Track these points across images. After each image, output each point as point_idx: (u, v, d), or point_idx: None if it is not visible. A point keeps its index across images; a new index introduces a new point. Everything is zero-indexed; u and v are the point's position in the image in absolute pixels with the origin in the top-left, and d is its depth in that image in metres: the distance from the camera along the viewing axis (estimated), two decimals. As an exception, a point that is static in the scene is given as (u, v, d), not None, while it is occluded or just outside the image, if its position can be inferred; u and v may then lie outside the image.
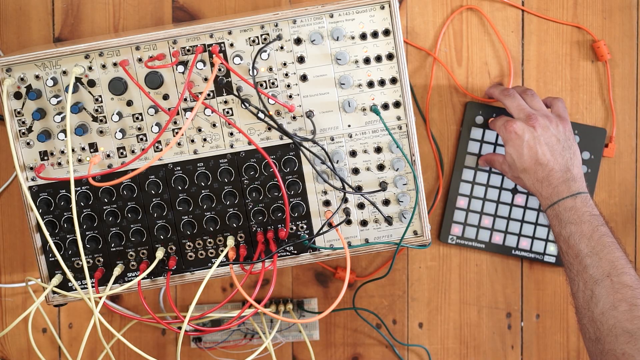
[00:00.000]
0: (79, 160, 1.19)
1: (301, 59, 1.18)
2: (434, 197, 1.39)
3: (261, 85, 1.18)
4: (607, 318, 1.10)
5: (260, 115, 1.17)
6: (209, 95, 1.18)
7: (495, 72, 1.38)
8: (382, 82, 1.19)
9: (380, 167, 1.21)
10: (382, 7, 1.17)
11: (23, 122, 1.18)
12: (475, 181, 1.38)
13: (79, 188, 1.20)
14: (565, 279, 1.21)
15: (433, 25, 1.37)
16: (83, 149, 1.19)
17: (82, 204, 1.20)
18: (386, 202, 1.22)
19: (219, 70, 1.17)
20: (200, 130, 1.19)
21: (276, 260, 1.19)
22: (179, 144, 1.19)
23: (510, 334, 1.41)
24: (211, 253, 1.22)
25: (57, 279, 1.20)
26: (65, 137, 1.17)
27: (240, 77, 1.15)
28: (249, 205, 1.21)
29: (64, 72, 1.17)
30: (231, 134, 1.19)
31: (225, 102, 1.18)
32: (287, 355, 1.41)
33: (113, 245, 1.21)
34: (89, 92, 1.18)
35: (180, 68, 1.17)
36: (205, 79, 1.18)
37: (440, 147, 1.39)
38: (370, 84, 1.19)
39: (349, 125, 1.20)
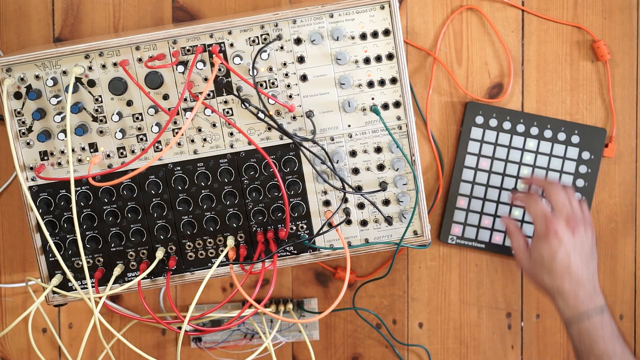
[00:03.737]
0: (79, 160, 1.19)
1: (301, 59, 1.18)
2: (434, 197, 1.39)
3: (261, 85, 1.18)
4: None
5: (260, 115, 1.17)
6: (209, 95, 1.18)
7: (495, 72, 1.38)
8: (382, 82, 1.19)
9: (380, 167, 1.21)
10: (382, 7, 1.17)
11: (23, 122, 1.18)
12: (475, 181, 1.38)
13: (79, 188, 1.20)
14: None
15: (433, 25, 1.37)
16: (83, 149, 1.19)
17: (82, 204, 1.20)
18: (386, 202, 1.22)
19: (219, 70, 1.17)
20: (200, 130, 1.19)
21: (276, 260, 1.19)
22: (179, 144, 1.19)
23: (510, 334, 1.41)
24: (211, 253, 1.22)
25: (57, 279, 1.20)
26: (65, 137, 1.17)
27: (240, 77, 1.15)
28: (249, 205, 1.21)
29: (64, 72, 1.17)
30: (231, 134, 1.19)
31: (225, 102, 1.18)
32: (287, 355, 1.41)
33: (113, 245, 1.21)
34: (89, 92, 1.18)
35: (180, 68, 1.17)
36: (205, 79, 1.18)
37: (440, 147, 1.39)
38: (370, 84, 1.19)
39: (349, 125, 1.20)
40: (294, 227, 1.22)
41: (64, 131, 1.17)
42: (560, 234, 1.20)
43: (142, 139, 1.19)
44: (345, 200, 1.22)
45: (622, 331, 1.21)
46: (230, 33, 1.16)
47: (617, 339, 1.18)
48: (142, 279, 1.19)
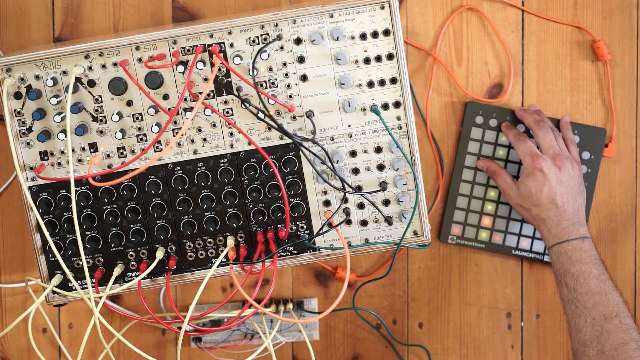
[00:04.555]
0: (79, 160, 1.19)
1: (301, 59, 1.18)
2: (434, 197, 1.39)
3: (261, 85, 1.18)
4: (618, 352, 1.18)
5: (260, 115, 1.17)
6: (209, 95, 1.18)
7: (495, 72, 1.38)
8: (382, 82, 1.19)
9: (380, 167, 1.21)
10: (382, 7, 1.17)
11: (23, 122, 1.18)
12: (475, 181, 1.38)
13: (79, 188, 1.20)
14: (564, 315, 1.26)
15: (433, 25, 1.37)
16: (83, 149, 1.19)
17: (82, 204, 1.20)
18: (386, 202, 1.22)
19: (219, 70, 1.17)
20: (200, 130, 1.19)
21: (276, 260, 1.19)
22: (179, 144, 1.19)
23: (510, 334, 1.41)
24: (211, 253, 1.22)
25: (57, 279, 1.20)
26: (65, 137, 1.17)
27: (240, 77, 1.15)
28: (249, 205, 1.21)
29: (64, 72, 1.17)
30: (231, 134, 1.19)
31: (225, 102, 1.18)
32: (287, 355, 1.41)
33: (113, 245, 1.21)
34: (89, 92, 1.18)
35: (180, 68, 1.17)
36: (205, 79, 1.18)
37: (440, 147, 1.39)
38: (370, 84, 1.19)
39: (349, 125, 1.20)
40: (294, 227, 1.22)
41: (64, 131, 1.17)
42: (546, 170, 1.26)
43: (142, 139, 1.19)
44: (345, 200, 1.22)
45: (603, 261, 1.25)
46: (230, 33, 1.16)
47: (596, 263, 1.24)
48: (142, 279, 1.19)
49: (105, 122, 1.18)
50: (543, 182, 1.26)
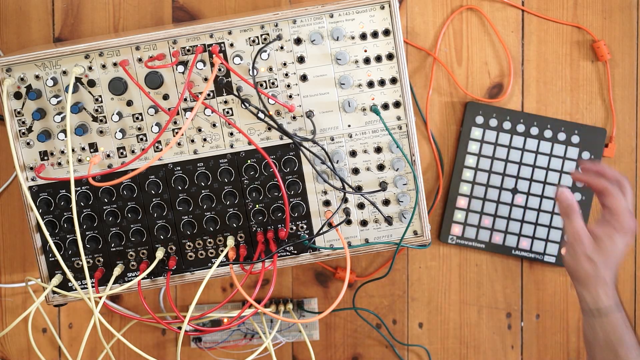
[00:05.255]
0: (79, 160, 1.19)
1: (301, 59, 1.18)
2: (434, 197, 1.39)
3: (261, 85, 1.18)
4: None
5: (260, 115, 1.17)
6: (209, 95, 1.18)
7: (495, 72, 1.38)
8: (382, 82, 1.19)
9: (380, 167, 1.21)
10: (382, 7, 1.17)
11: (23, 122, 1.18)
12: (475, 181, 1.38)
13: (79, 188, 1.20)
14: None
15: (433, 25, 1.37)
16: (83, 149, 1.19)
17: (82, 204, 1.20)
18: (386, 202, 1.22)
19: (219, 70, 1.17)
20: (200, 130, 1.19)
21: (276, 260, 1.19)
22: (179, 144, 1.19)
23: (510, 334, 1.41)
24: (211, 253, 1.22)
25: (57, 279, 1.20)
26: (65, 137, 1.17)
27: (240, 77, 1.15)
28: (249, 205, 1.21)
29: (64, 72, 1.17)
30: (231, 134, 1.19)
31: (225, 102, 1.18)
32: (287, 355, 1.41)
33: (113, 245, 1.21)
34: (89, 92, 1.18)
35: (180, 68, 1.17)
36: (205, 79, 1.18)
37: (440, 147, 1.39)
38: (370, 84, 1.19)
39: (349, 125, 1.20)
40: (294, 227, 1.22)
41: (64, 131, 1.17)
42: (632, 230, 1.20)
43: (142, 139, 1.19)
44: (345, 200, 1.22)
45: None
46: (230, 33, 1.16)
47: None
48: (142, 279, 1.19)
49: (105, 122, 1.18)
50: (628, 245, 1.20)
